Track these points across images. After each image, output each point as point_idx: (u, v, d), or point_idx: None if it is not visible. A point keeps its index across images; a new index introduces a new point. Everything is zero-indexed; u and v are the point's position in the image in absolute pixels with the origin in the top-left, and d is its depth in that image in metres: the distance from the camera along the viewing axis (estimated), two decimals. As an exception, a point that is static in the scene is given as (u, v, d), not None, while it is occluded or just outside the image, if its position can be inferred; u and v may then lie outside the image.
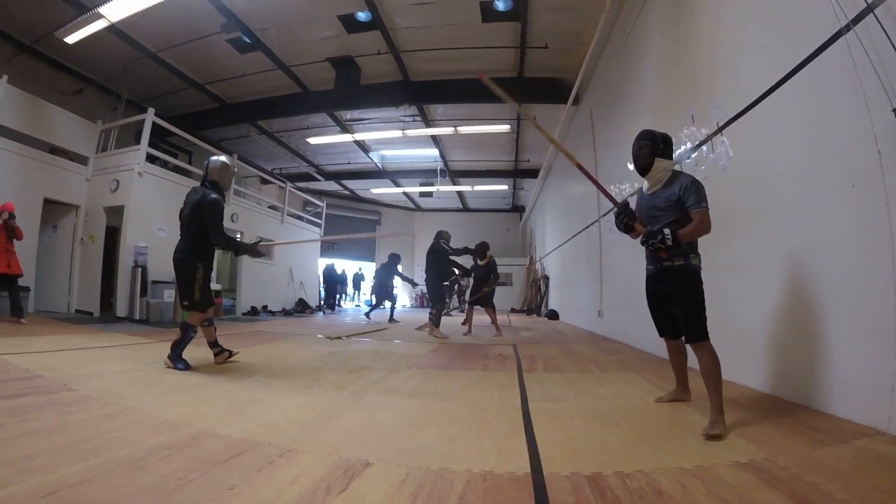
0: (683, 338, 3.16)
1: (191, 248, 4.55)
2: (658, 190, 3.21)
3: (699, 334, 3.00)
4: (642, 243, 3.11)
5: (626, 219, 3.14)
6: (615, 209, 3.24)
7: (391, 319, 12.45)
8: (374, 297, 14.01)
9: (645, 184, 3.34)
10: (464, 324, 9.90)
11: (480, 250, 9.45)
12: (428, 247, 9.17)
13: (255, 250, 4.94)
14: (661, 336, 3.47)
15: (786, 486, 1.92)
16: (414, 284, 13.53)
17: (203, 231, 4.49)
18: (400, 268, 12.95)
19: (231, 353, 4.92)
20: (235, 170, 4.76)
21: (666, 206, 3.13)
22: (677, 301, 3.10)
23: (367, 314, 13.13)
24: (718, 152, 4.63)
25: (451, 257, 9.13)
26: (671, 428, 2.85)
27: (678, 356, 3.47)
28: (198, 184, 4.79)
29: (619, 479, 2.01)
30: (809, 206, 3.37)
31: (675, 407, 3.39)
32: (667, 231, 2.96)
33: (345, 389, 3.86)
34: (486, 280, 9.52)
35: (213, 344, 4.85)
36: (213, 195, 4.52)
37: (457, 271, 9.67)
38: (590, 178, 3.49)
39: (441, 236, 9.15)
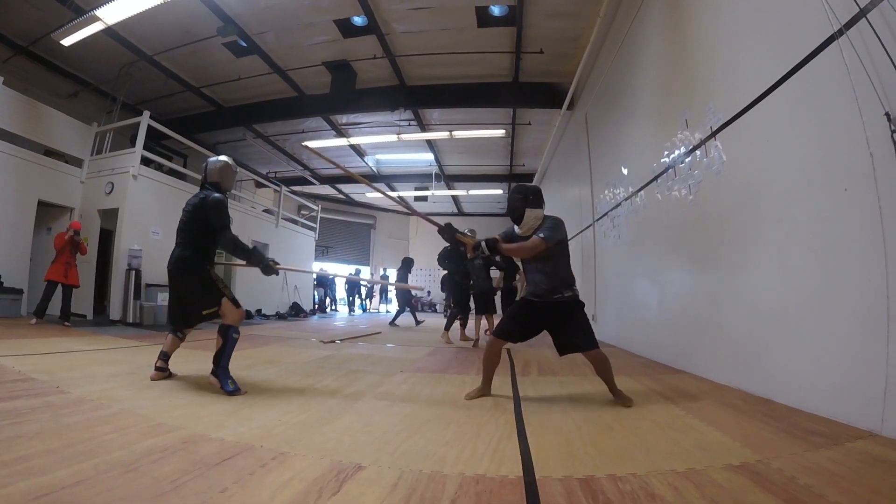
0: (571, 350, 3.71)
1: (193, 252, 4.02)
2: (531, 234, 3.70)
3: (595, 343, 3.61)
4: (473, 249, 3.76)
5: (447, 234, 3.84)
6: (438, 230, 3.94)
7: (392, 323, 12.76)
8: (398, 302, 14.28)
9: (516, 228, 3.84)
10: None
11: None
12: (432, 250, 8.98)
13: (270, 266, 4.22)
14: (510, 341, 3.87)
15: (779, 489, 1.92)
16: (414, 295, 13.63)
17: (205, 234, 4.04)
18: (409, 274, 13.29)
19: (170, 375, 4.19)
20: (237, 170, 4.41)
21: None
22: (574, 323, 3.67)
23: (392, 321, 13.18)
24: (712, 156, 4.66)
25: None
26: (664, 430, 2.85)
27: (498, 359, 3.90)
28: (197, 189, 4.41)
29: (612, 482, 2.01)
30: (802, 209, 3.40)
31: (668, 410, 3.39)
32: (482, 243, 3.65)
33: (339, 393, 3.86)
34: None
35: (167, 357, 4.22)
36: (216, 194, 4.07)
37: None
38: (420, 215, 4.82)
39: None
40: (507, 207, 3.85)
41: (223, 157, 4.33)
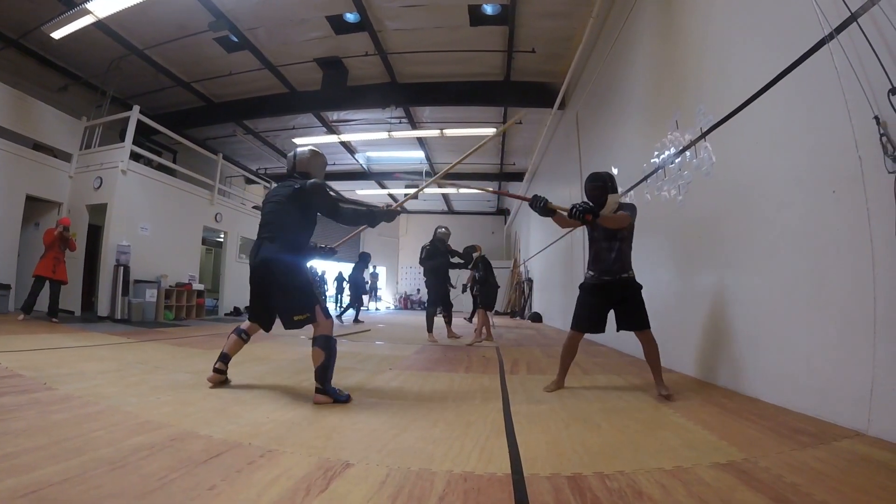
0: (628, 327, 4.01)
1: (286, 248, 3.60)
2: None
3: (648, 323, 3.98)
4: (571, 215, 3.56)
5: (540, 203, 3.73)
6: (529, 201, 3.84)
7: (356, 320, 12.45)
8: (350, 298, 14.04)
9: None
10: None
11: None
12: (420, 246, 8.90)
13: (392, 212, 4.13)
14: (584, 332, 4.12)
15: (766, 487, 1.94)
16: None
17: (301, 226, 3.72)
18: (369, 269, 13.07)
19: (227, 381, 3.88)
20: (326, 159, 4.11)
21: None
22: (633, 302, 3.98)
23: (338, 316, 12.93)
24: (702, 157, 4.68)
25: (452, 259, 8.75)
26: (652, 429, 2.87)
27: (575, 352, 4.18)
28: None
29: (599, 480, 2.02)
30: (791, 211, 3.41)
31: (656, 408, 3.41)
32: (581, 205, 3.55)
33: (328, 390, 3.84)
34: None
35: (227, 360, 3.91)
36: (312, 179, 3.74)
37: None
38: (510, 195, 5.40)
39: (437, 235, 8.71)
40: (587, 196, 4.01)
41: (310, 146, 4.01)
